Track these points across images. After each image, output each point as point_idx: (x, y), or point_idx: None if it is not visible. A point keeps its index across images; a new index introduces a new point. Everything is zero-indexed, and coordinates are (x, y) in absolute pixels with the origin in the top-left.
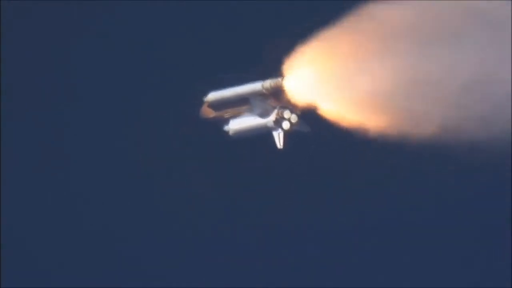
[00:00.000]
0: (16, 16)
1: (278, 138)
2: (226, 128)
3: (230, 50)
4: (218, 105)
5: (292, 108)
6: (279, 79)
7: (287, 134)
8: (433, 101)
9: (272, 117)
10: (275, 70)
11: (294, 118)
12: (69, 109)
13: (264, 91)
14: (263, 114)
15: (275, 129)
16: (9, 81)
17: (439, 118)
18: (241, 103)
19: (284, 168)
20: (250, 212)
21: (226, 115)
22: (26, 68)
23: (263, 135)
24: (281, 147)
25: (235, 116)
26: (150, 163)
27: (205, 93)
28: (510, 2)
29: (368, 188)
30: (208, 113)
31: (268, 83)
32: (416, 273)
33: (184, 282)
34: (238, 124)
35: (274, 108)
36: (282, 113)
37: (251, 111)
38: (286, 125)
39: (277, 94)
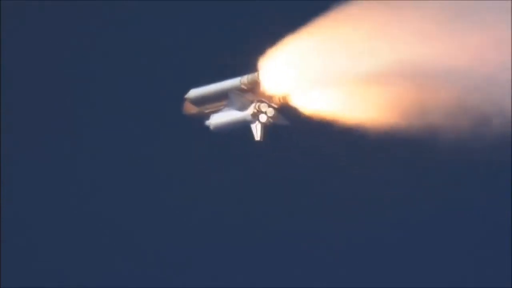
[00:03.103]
0: (16, 16)
1: (256, 131)
2: (207, 123)
3: (208, 46)
4: (199, 101)
5: (269, 101)
6: (256, 73)
7: (265, 127)
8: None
9: (249, 111)
10: (253, 65)
11: (271, 111)
12: (68, 109)
13: (242, 86)
14: (242, 108)
15: (253, 122)
16: (9, 81)
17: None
18: (221, 99)
19: (262, 161)
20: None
21: (207, 111)
22: (26, 68)
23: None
24: (259, 139)
25: (215, 111)
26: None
27: (186, 90)
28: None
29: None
30: (190, 109)
31: (245, 78)
32: (416, 273)
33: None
34: (218, 118)
35: (252, 102)
36: (259, 107)
37: (231, 105)
38: (263, 118)
39: (255, 89)
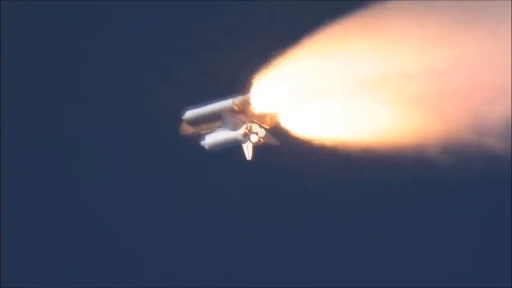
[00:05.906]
0: (16, 16)
1: (247, 150)
2: (202, 143)
3: (201, 68)
4: (195, 121)
5: (261, 122)
6: (247, 95)
7: (255, 146)
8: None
9: (241, 131)
10: (245, 87)
11: (261, 132)
12: (67, 109)
13: (234, 107)
14: (235, 128)
15: (244, 141)
16: (9, 81)
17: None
18: (215, 119)
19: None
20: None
21: (203, 132)
22: (26, 69)
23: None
24: (250, 158)
25: (210, 131)
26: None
27: (182, 111)
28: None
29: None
30: (186, 130)
31: (238, 99)
32: (415, 273)
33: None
34: (212, 138)
35: (244, 122)
36: (250, 127)
37: (224, 126)
38: (254, 138)
39: (246, 109)
